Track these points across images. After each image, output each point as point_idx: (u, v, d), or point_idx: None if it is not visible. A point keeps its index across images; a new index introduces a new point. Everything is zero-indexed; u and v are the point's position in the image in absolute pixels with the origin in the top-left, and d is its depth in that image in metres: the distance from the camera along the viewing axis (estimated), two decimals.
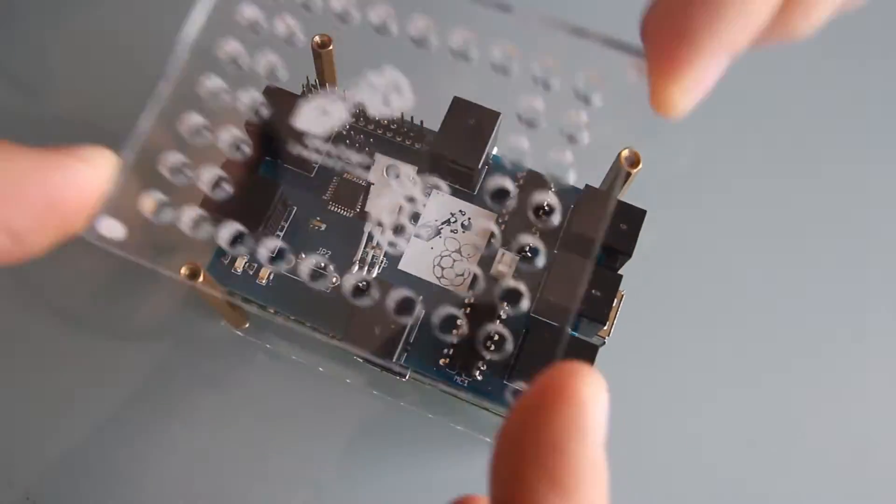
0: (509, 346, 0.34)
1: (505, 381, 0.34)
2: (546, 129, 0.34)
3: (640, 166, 0.36)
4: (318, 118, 0.35)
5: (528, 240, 0.35)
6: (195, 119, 0.30)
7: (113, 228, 0.26)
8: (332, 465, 0.40)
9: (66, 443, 0.41)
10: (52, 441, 0.41)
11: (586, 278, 0.35)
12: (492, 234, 0.38)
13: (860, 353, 0.44)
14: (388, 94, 0.31)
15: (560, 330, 0.35)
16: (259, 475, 0.40)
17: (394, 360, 0.34)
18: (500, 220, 0.38)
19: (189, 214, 0.29)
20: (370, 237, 0.37)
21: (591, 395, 0.19)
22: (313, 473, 0.40)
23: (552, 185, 0.37)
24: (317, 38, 0.38)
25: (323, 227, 0.38)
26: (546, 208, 0.36)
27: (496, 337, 0.34)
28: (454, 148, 0.37)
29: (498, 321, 0.35)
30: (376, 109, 0.30)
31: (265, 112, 0.36)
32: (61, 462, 0.40)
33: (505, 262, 0.37)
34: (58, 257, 0.42)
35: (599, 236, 0.35)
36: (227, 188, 0.33)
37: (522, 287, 0.34)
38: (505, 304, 0.34)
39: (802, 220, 0.46)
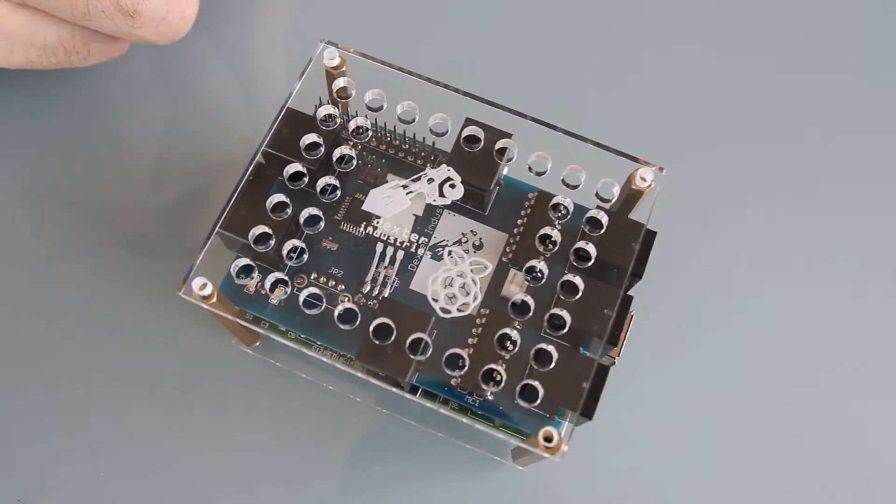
0: (522, 367, 0.34)
1: (518, 401, 0.34)
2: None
3: (655, 186, 0.36)
4: (383, 206, 0.37)
5: (539, 261, 0.35)
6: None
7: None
8: (339, 482, 0.41)
9: (69, 457, 0.41)
10: (56, 455, 0.41)
11: (616, 306, 0.35)
12: (503, 254, 0.37)
13: (885, 373, 0.44)
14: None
15: (587, 358, 0.34)
16: (267, 491, 0.40)
17: (405, 379, 0.34)
18: (511, 241, 0.38)
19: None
20: (382, 257, 0.38)
21: None
22: (321, 489, 0.41)
23: (564, 206, 0.37)
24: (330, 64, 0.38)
25: (335, 247, 0.38)
26: (558, 228, 0.36)
27: (508, 357, 0.35)
28: (466, 168, 0.37)
29: (509, 343, 0.34)
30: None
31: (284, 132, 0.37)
32: (63, 482, 0.40)
33: (516, 283, 0.37)
34: (65, 270, 0.43)
35: (630, 265, 0.35)
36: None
37: (533, 304, 0.35)
38: (516, 324, 0.34)
39: (814, 232, 0.46)
